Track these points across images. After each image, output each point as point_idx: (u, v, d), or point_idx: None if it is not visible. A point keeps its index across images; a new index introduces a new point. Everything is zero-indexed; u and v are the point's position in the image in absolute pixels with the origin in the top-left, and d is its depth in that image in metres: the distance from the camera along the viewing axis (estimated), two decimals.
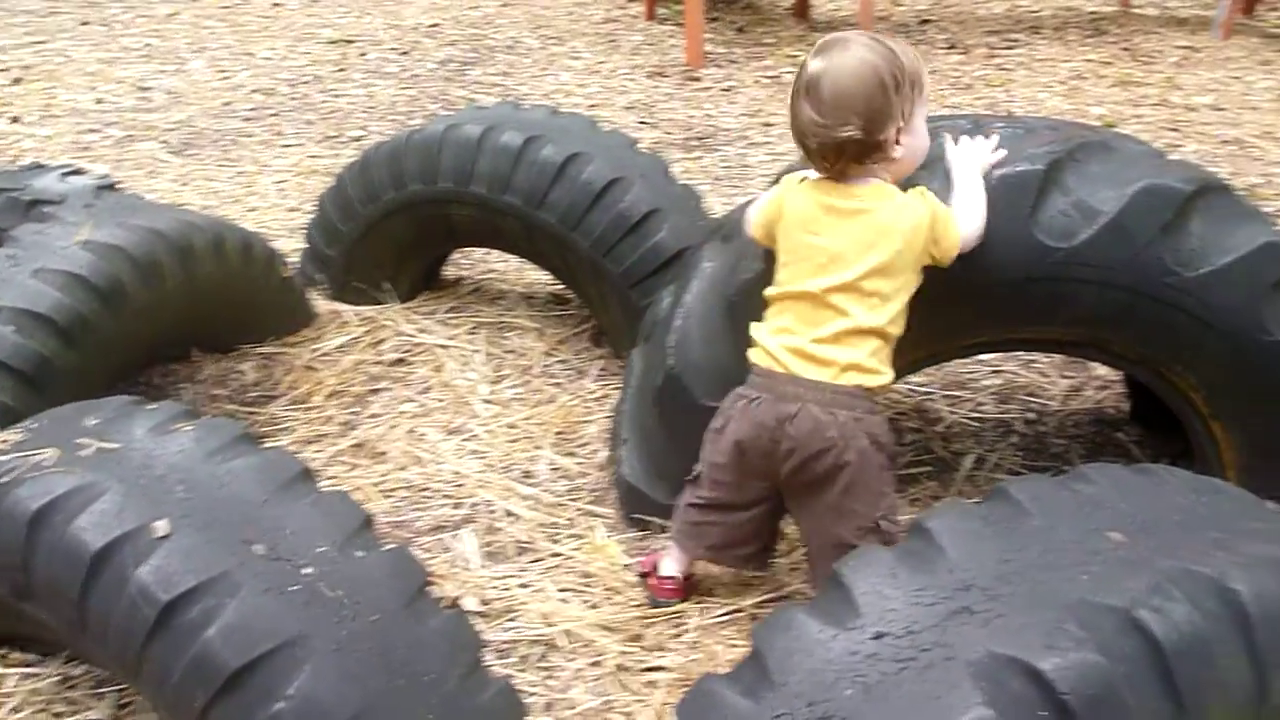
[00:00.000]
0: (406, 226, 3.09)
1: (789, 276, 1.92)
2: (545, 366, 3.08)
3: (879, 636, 1.19)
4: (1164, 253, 2.05)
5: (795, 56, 7.13)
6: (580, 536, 2.39)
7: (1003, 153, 2.03)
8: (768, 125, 5.72)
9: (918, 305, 2.03)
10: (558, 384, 2.99)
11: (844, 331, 1.85)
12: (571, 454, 2.69)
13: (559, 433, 2.77)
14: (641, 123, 5.73)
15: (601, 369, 3.02)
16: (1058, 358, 3.00)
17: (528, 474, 2.61)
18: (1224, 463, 2.28)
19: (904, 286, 1.89)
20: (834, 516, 1.89)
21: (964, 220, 1.94)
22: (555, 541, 2.37)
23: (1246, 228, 2.10)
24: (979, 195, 1.97)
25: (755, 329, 1.97)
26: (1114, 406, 2.83)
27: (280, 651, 1.41)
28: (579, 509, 2.48)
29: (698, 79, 6.60)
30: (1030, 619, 1.13)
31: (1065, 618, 1.12)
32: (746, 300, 2.15)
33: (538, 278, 3.55)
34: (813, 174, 1.97)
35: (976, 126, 2.25)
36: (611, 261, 2.78)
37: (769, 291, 1.96)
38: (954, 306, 2.07)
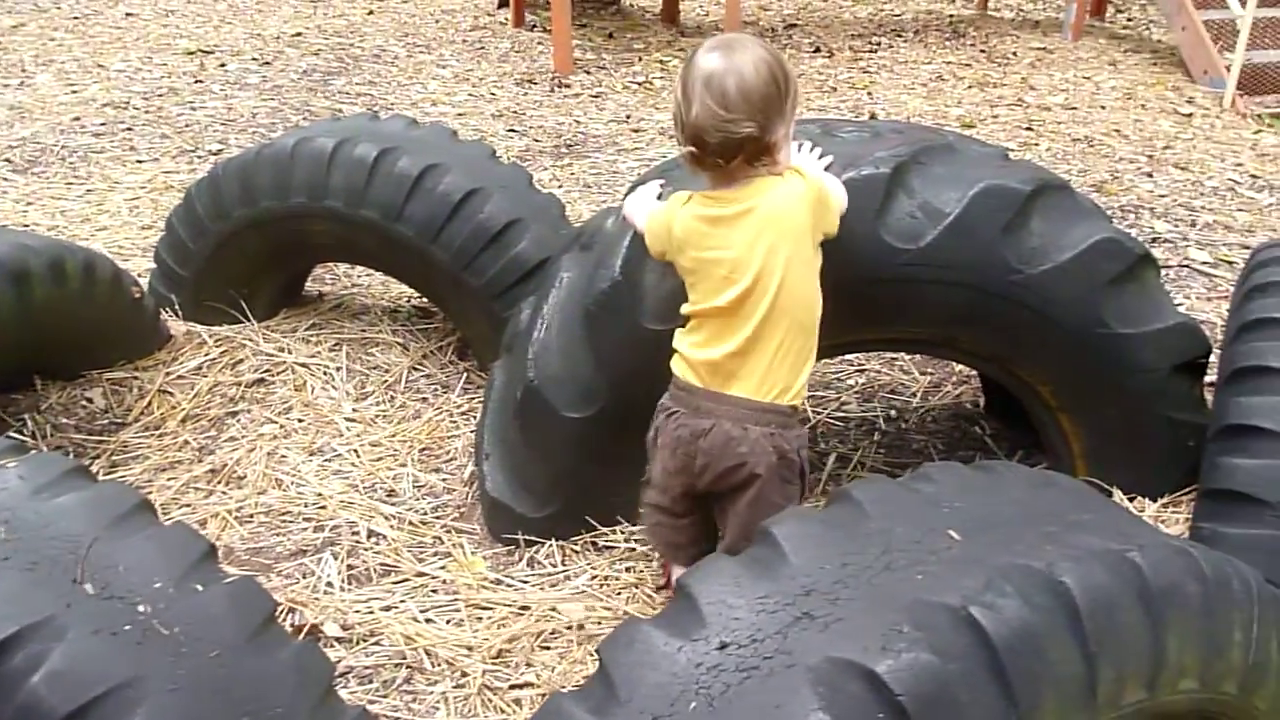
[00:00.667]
0: (260, 243, 3.00)
1: (698, 296, 1.87)
2: (410, 382, 3.02)
3: (723, 647, 1.18)
4: (1006, 251, 2.11)
5: (665, 62, 7.18)
6: (446, 554, 2.34)
7: (829, 158, 2.05)
8: (637, 131, 5.74)
9: None
10: (423, 399, 2.94)
11: (753, 345, 1.82)
12: (437, 470, 2.64)
13: (424, 449, 2.72)
14: (510, 131, 5.69)
15: (467, 382, 2.98)
16: (919, 355, 3.06)
17: (392, 493, 2.56)
18: (1072, 453, 2.36)
19: (809, 266, 1.85)
20: (738, 525, 1.89)
21: (836, 190, 1.94)
22: (420, 561, 2.32)
23: (1084, 224, 2.18)
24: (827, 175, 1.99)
25: (677, 338, 1.93)
26: (971, 401, 2.91)
27: (112, 695, 1.34)
28: (445, 526, 2.44)
29: (567, 85, 6.59)
30: (868, 622, 1.14)
31: (901, 619, 1.13)
32: (605, 310, 2.14)
33: (402, 292, 3.49)
34: (681, 191, 1.92)
35: (825, 130, 2.28)
36: (472, 274, 2.74)
37: (685, 309, 1.91)
38: None
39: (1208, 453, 2.03)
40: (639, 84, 6.70)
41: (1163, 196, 4.83)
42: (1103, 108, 6.37)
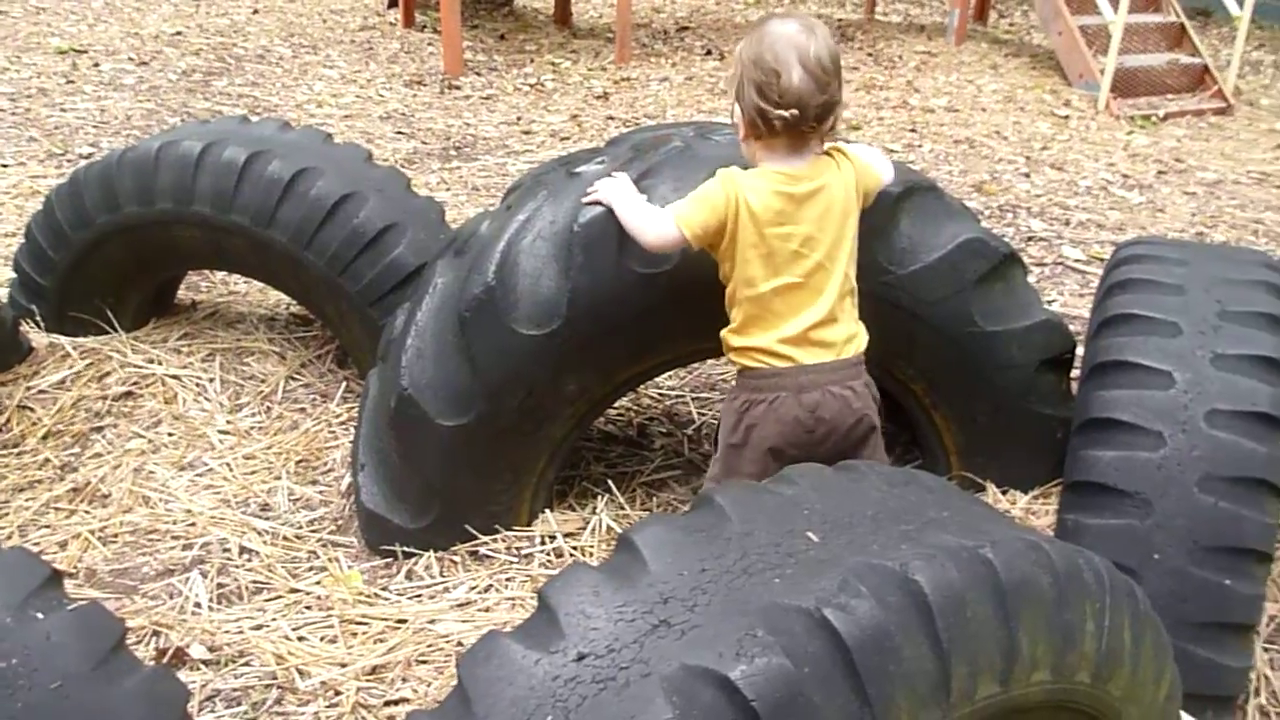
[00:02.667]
0: (125, 251, 2.89)
1: (763, 272, 1.88)
2: (288, 391, 2.94)
3: (581, 658, 1.17)
4: (878, 252, 2.14)
5: (556, 64, 7.16)
6: (321, 569, 2.28)
7: None
8: (528, 133, 5.70)
9: (637, 322, 2.06)
10: (301, 409, 2.86)
11: (831, 310, 1.89)
12: (314, 482, 2.58)
13: (301, 461, 2.65)
14: (398, 133, 5.60)
15: (347, 391, 2.91)
16: None
17: (266, 507, 2.48)
18: (946, 448, 2.40)
19: (855, 238, 1.94)
20: None
21: (877, 160, 2.01)
22: (294, 576, 2.26)
23: (952, 225, 2.22)
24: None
25: (732, 336, 1.95)
26: None
27: None
28: (320, 540, 2.38)
29: (458, 87, 6.52)
30: (723, 628, 1.14)
31: (756, 623, 1.13)
32: (478, 316, 2.11)
33: (279, 299, 3.40)
34: (731, 169, 1.91)
35: (701, 133, 2.29)
36: (348, 279, 2.67)
37: (741, 291, 1.91)
38: (670, 320, 2.11)
39: (1071, 446, 2.08)
40: (530, 85, 6.66)
41: (1039, 196, 4.97)
42: (984, 110, 6.54)
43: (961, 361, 2.25)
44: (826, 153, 1.93)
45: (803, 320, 1.89)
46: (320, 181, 2.68)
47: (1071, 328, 2.44)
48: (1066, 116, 6.59)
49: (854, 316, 1.96)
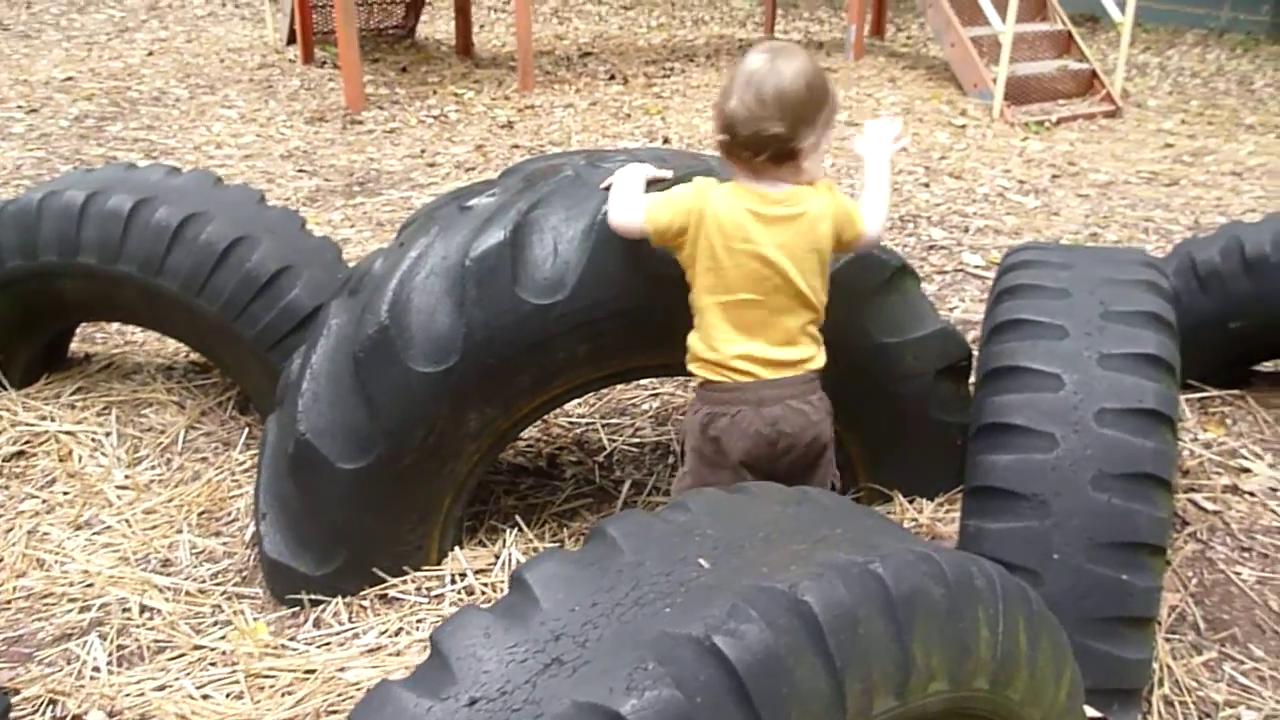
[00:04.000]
0: (10, 305, 2.81)
1: (722, 284, 1.92)
2: (188, 441, 2.87)
3: (473, 703, 1.15)
4: None
5: (460, 95, 7.14)
6: (226, 623, 2.22)
7: (906, 139, 2.16)
8: (433, 165, 5.67)
9: (536, 353, 2.06)
10: (203, 459, 2.80)
11: (794, 331, 1.94)
12: (217, 534, 2.52)
13: (203, 512, 2.58)
14: (300, 171, 5.53)
15: (250, 438, 2.85)
16: None
17: (167, 562, 2.42)
18: (852, 461, 2.43)
19: (825, 271, 1.98)
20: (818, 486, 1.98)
21: (870, 217, 2.02)
22: (198, 633, 2.20)
23: None
24: (885, 188, 2.07)
25: (698, 344, 1.98)
26: None
27: None
28: (225, 593, 2.32)
29: (360, 122, 6.47)
30: (615, 662, 1.13)
31: (646, 655, 1.12)
32: (373, 356, 2.08)
33: (178, 348, 3.32)
34: (708, 179, 1.97)
35: (591, 161, 2.29)
36: (244, 324, 2.62)
37: (702, 300, 1.95)
38: (569, 348, 2.10)
39: (969, 452, 2.11)
40: (434, 118, 6.63)
41: (939, 205, 5.08)
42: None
43: (860, 375, 2.27)
44: (813, 185, 1.96)
45: (762, 338, 1.94)
46: (210, 226, 2.63)
47: (975, 334, 2.48)
48: (963, 126, 6.74)
49: (816, 340, 2.00)
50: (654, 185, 2.09)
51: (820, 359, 2.01)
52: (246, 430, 2.88)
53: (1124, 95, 7.86)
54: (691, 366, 2.01)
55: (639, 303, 2.09)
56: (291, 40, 8.36)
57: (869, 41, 9.56)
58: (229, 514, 2.58)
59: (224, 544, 2.47)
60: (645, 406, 3.05)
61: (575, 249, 2.06)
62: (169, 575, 2.37)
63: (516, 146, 6.01)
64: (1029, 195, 5.33)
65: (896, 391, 2.32)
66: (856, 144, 2.17)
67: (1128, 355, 2.04)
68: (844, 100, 7.30)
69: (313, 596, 2.23)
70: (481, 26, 10.12)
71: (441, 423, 2.11)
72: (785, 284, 1.91)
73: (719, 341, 1.95)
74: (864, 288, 2.24)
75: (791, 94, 1.85)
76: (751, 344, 1.94)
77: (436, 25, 9.80)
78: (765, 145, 1.87)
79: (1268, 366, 3.33)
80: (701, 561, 1.28)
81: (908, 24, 10.94)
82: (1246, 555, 2.49)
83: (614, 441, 2.86)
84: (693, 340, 2.00)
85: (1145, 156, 6.29)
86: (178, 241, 2.61)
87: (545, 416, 2.85)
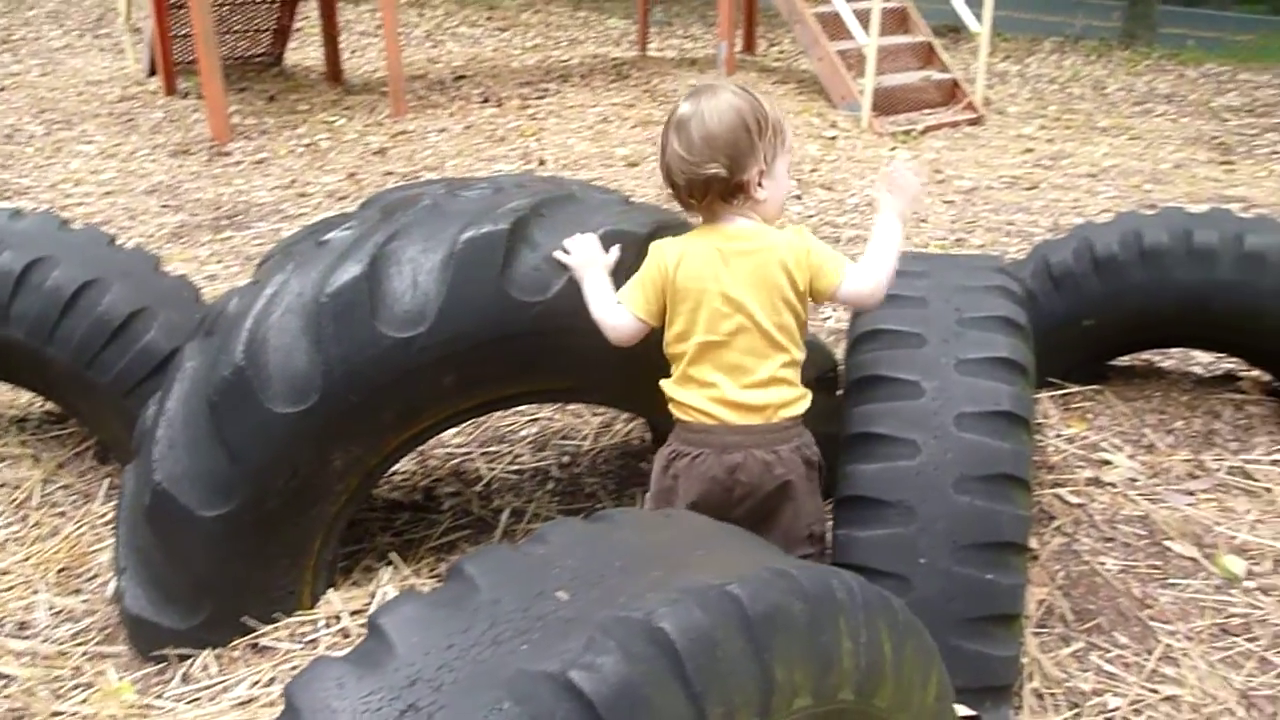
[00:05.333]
0: None
1: (690, 328, 1.92)
2: (45, 495, 2.75)
3: None
4: None
5: (331, 122, 7.02)
6: (88, 686, 2.13)
7: (924, 175, 2.09)
8: (304, 195, 5.56)
9: (400, 387, 2.02)
10: (61, 513, 2.68)
11: (765, 376, 1.90)
12: (77, 591, 2.41)
13: (62, 570, 2.47)
14: (165, 206, 5.38)
15: (111, 488, 2.75)
16: None
17: (24, 625, 2.31)
18: None
19: (795, 315, 1.94)
20: (781, 535, 1.96)
21: (862, 272, 1.96)
22: (58, 697, 2.10)
23: None
24: (890, 245, 1.99)
25: (669, 387, 1.98)
26: (639, 438, 2.96)
27: None
28: (86, 654, 2.22)
29: (227, 154, 6.31)
30: (469, 704, 1.10)
31: (502, 696, 1.10)
32: (230, 398, 2.02)
33: (31, 397, 3.18)
34: (668, 237, 1.98)
35: (450, 190, 2.27)
36: (97, 371, 2.53)
37: (673, 347, 1.96)
38: (434, 380, 2.06)
39: (838, 463, 2.14)
40: (305, 146, 6.51)
41: (811, 216, 5.17)
42: None
43: None
44: (777, 222, 1.97)
45: (733, 380, 1.91)
46: (56, 271, 2.53)
47: None
48: (834, 137, 6.89)
49: (792, 384, 1.96)
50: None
51: (799, 405, 1.96)
52: (107, 481, 2.77)
53: (986, 103, 8.13)
54: (669, 407, 2.00)
55: (503, 331, 2.07)
56: (153, 71, 8.12)
57: (741, 57, 9.72)
58: (90, 570, 2.48)
59: (84, 602, 2.37)
60: (524, 433, 3.02)
61: (435, 280, 2.04)
62: (25, 639, 2.26)
63: (390, 173, 5.93)
64: None
65: None
66: (877, 188, 2.13)
67: (983, 360, 2.09)
68: None
69: (180, 651, 2.15)
70: (353, 52, 9.99)
71: (305, 464, 2.05)
72: (750, 323, 1.90)
73: (687, 385, 1.95)
74: None
75: (719, 133, 1.86)
76: (719, 388, 1.92)
77: (305, 52, 9.64)
78: (706, 187, 1.90)
79: (1124, 361, 3.46)
80: (560, 594, 1.27)
81: (779, 39, 11.15)
82: (1110, 545, 2.57)
83: (492, 470, 2.83)
84: (665, 384, 2.00)
85: (1007, 162, 6.51)
86: (22, 288, 2.51)
87: (420, 448, 2.82)
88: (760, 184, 1.92)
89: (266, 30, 8.85)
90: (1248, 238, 2.86)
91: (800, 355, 1.98)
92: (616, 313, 1.99)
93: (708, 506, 1.93)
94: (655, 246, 1.98)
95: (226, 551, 2.09)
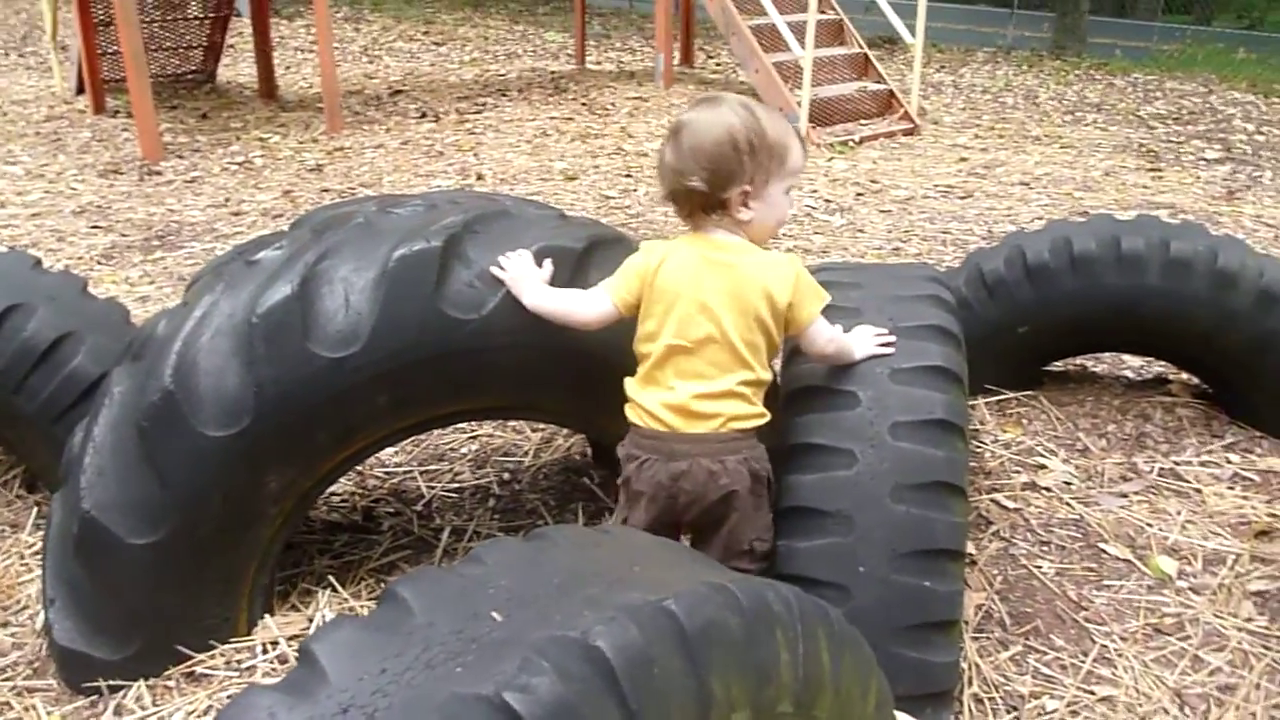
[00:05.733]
0: None
1: (660, 329, 1.92)
2: None
3: None
4: None
5: (265, 139, 6.94)
6: None
7: (890, 350, 2.12)
8: (238, 214, 5.48)
9: (334, 407, 2.00)
10: None
11: (723, 389, 1.90)
12: (5, 625, 2.34)
13: None
14: (94, 227, 5.27)
15: (39, 517, 2.68)
16: None
17: None
18: None
19: (767, 339, 1.94)
20: (722, 547, 1.98)
21: (832, 333, 2.03)
22: None
23: None
24: (853, 352, 2.08)
25: (630, 386, 1.99)
26: (580, 453, 2.95)
27: None
28: (14, 689, 2.15)
29: (158, 173, 6.21)
30: None
31: None
32: (159, 423, 1.98)
33: None
34: (657, 243, 1.99)
35: (382, 208, 2.24)
36: (24, 398, 2.46)
37: (641, 346, 1.96)
38: (369, 400, 2.04)
39: (777, 474, 2.15)
40: (239, 164, 6.43)
41: None
42: None
43: None
44: (763, 243, 1.97)
45: (689, 388, 1.91)
46: None
47: None
48: None
49: (749, 401, 1.95)
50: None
51: (751, 421, 1.96)
52: (35, 510, 2.70)
53: (921, 113, 8.25)
54: (626, 408, 2.00)
55: (437, 349, 2.05)
56: (81, 90, 7.98)
57: (679, 70, 9.77)
58: (18, 602, 2.41)
59: (12, 635, 2.30)
60: (464, 450, 3.00)
61: (367, 299, 2.01)
62: None
63: (326, 190, 5.88)
64: (835, 214, 5.52)
65: None
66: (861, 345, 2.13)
67: (917, 369, 2.11)
68: (656, 129, 7.42)
69: (112, 682, 2.10)
70: (287, 68, 9.90)
71: (238, 488, 2.02)
72: (719, 334, 1.89)
73: (646, 386, 1.96)
74: None
75: (708, 147, 1.85)
76: (674, 393, 1.92)
77: (239, 69, 9.53)
78: (686, 198, 1.91)
79: (1058, 366, 3.52)
80: (494, 615, 1.26)
81: (716, 51, 11.24)
82: (1046, 549, 2.61)
83: (432, 488, 2.80)
84: (628, 382, 2.00)
85: (942, 171, 6.60)
86: None
87: (358, 467, 2.79)
88: (745, 204, 1.91)
89: (198, 47, 8.73)
90: (1173, 244, 2.93)
91: (764, 377, 1.97)
92: (586, 298, 2.02)
93: (657, 511, 1.97)
94: (646, 244, 2.01)
95: (158, 580, 2.04)
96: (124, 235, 5.14)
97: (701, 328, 1.90)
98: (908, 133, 7.79)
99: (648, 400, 1.95)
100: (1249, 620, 2.36)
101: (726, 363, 1.92)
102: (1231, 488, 2.87)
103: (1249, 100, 9.69)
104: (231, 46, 10.52)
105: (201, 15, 8.60)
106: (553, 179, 6.06)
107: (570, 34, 11.80)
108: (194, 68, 8.79)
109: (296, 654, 2.09)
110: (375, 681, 1.17)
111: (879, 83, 8.27)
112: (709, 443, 1.93)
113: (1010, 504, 2.78)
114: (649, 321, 1.95)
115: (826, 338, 2.04)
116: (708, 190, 1.88)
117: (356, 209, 2.27)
